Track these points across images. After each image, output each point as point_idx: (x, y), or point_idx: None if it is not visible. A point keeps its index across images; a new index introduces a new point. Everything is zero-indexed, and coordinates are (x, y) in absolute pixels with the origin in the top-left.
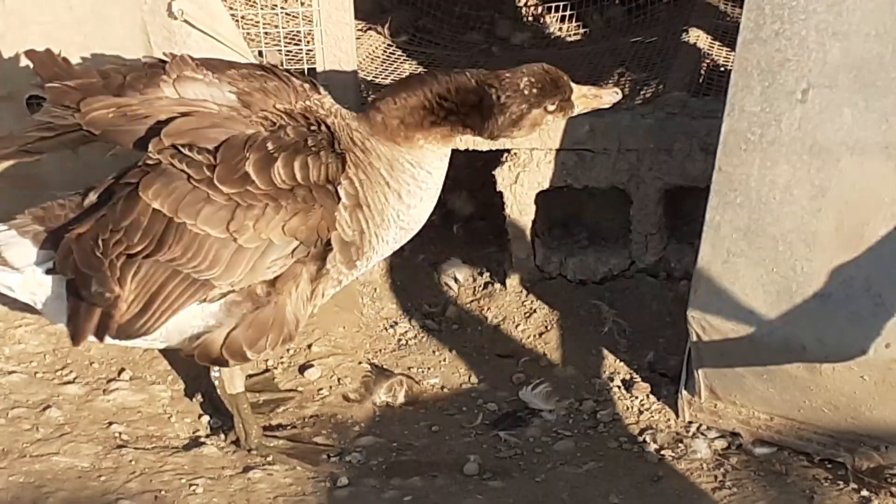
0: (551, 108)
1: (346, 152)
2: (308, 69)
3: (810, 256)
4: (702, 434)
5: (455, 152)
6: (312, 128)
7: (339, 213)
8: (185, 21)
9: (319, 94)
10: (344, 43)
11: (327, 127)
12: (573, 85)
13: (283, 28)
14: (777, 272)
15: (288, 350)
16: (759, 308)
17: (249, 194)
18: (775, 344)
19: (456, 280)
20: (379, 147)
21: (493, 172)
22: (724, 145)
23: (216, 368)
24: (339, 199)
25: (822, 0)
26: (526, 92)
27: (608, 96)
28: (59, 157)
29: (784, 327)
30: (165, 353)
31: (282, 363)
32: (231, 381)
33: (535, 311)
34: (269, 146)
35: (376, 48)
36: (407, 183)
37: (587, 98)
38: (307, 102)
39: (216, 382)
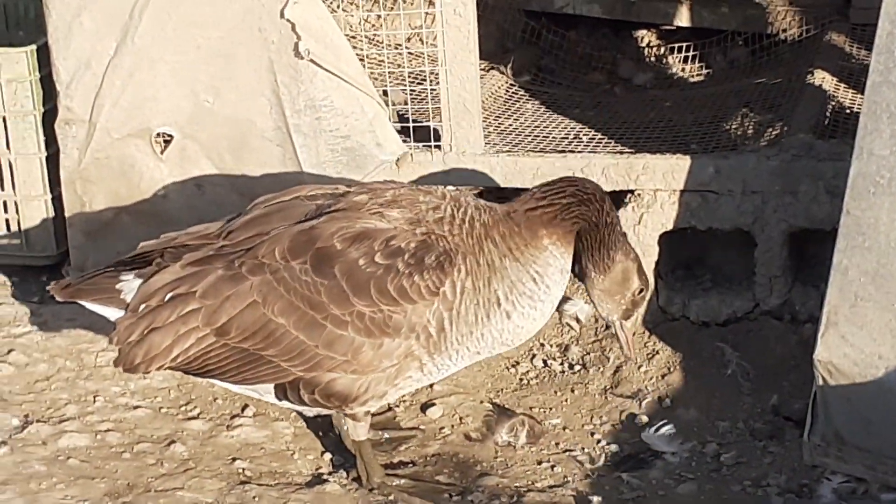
0: (639, 289)
1: (462, 255)
2: (432, 108)
3: None
4: (826, 479)
5: None
6: (422, 237)
7: (428, 309)
8: (312, 60)
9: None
10: (469, 83)
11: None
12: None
13: (407, 67)
14: None
15: None
16: (887, 353)
17: (360, 315)
18: None
19: (578, 320)
20: (506, 264)
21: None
22: (853, 189)
23: (343, 418)
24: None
25: None
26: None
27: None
28: (186, 194)
29: None
30: None
31: (403, 401)
32: (355, 430)
33: (657, 352)
34: (364, 265)
35: (499, 87)
36: (522, 305)
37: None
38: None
39: (341, 431)
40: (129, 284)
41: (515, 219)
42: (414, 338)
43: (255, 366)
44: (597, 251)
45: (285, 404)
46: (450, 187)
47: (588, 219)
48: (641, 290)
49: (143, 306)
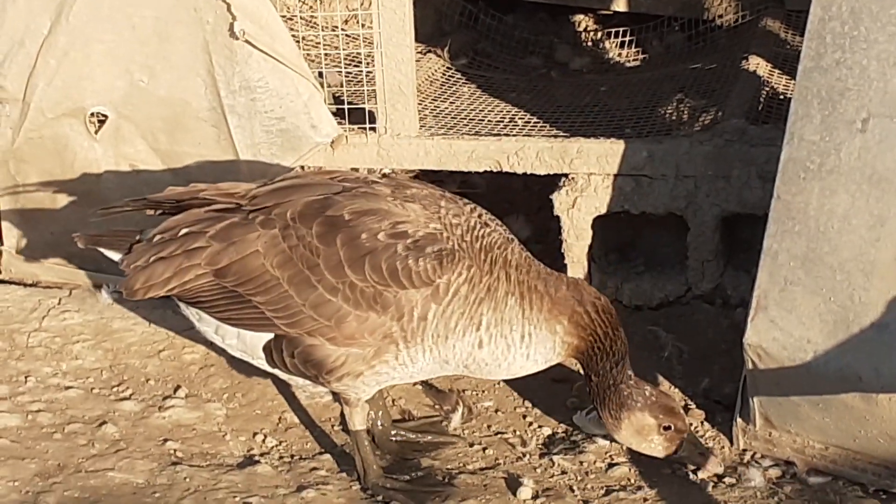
0: (665, 426)
1: (467, 263)
2: (367, 91)
3: (868, 286)
4: (756, 462)
5: (513, 176)
6: (432, 231)
7: (419, 294)
8: (247, 41)
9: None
10: (404, 66)
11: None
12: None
13: (343, 49)
14: (834, 301)
15: None
16: (815, 337)
17: (351, 286)
18: (831, 373)
19: None
20: (509, 303)
21: (550, 197)
22: (783, 174)
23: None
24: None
25: (884, 30)
26: (646, 394)
27: (713, 465)
28: (120, 174)
29: (840, 357)
30: (221, 370)
31: None
32: (351, 418)
33: None
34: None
35: (435, 71)
36: (497, 346)
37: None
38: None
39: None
40: (147, 234)
41: (550, 285)
42: (396, 319)
43: (241, 307)
44: (609, 401)
45: (278, 373)
46: (486, 213)
47: (603, 351)
48: (669, 427)
49: (158, 237)
